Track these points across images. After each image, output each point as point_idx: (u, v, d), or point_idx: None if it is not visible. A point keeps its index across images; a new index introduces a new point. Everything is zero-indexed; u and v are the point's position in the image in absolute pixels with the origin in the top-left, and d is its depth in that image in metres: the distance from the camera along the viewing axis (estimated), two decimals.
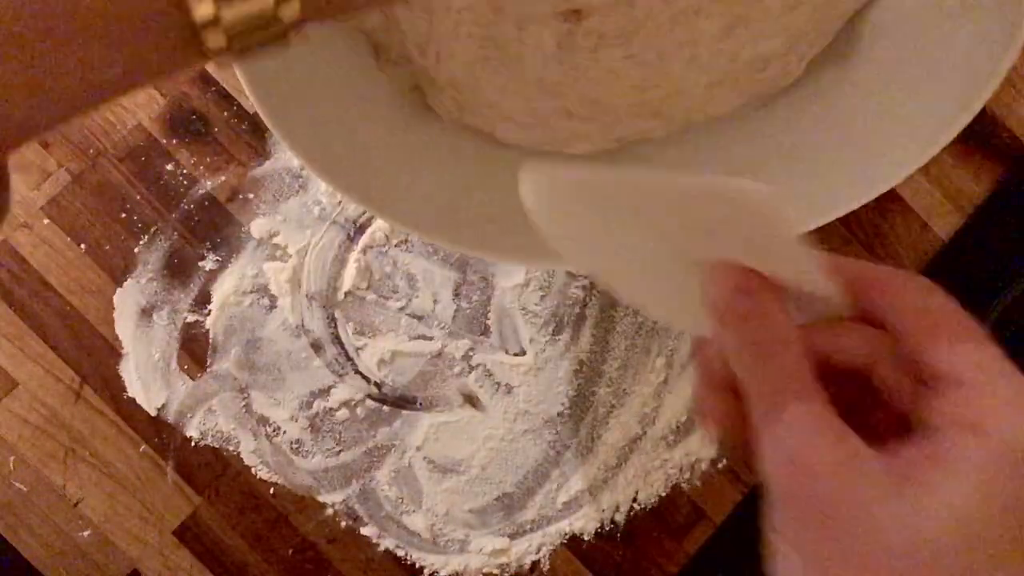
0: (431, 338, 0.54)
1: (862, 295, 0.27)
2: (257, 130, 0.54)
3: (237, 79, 0.54)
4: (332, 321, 0.54)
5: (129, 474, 0.52)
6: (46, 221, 0.52)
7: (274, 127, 0.39)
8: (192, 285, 0.53)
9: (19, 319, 0.52)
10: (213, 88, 0.53)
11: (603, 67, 0.44)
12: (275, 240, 0.54)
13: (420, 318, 0.54)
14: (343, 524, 0.53)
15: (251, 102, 0.40)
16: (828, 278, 0.26)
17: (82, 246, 0.53)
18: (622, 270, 0.30)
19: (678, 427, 0.55)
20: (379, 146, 0.46)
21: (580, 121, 0.46)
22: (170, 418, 0.53)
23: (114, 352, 0.52)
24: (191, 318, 0.53)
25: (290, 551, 0.53)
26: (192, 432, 0.53)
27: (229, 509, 0.53)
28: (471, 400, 0.54)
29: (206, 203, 0.53)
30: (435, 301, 0.54)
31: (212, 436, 0.53)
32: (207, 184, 0.53)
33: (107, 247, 0.53)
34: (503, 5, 0.42)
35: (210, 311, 0.53)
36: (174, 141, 0.53)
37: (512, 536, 0.54)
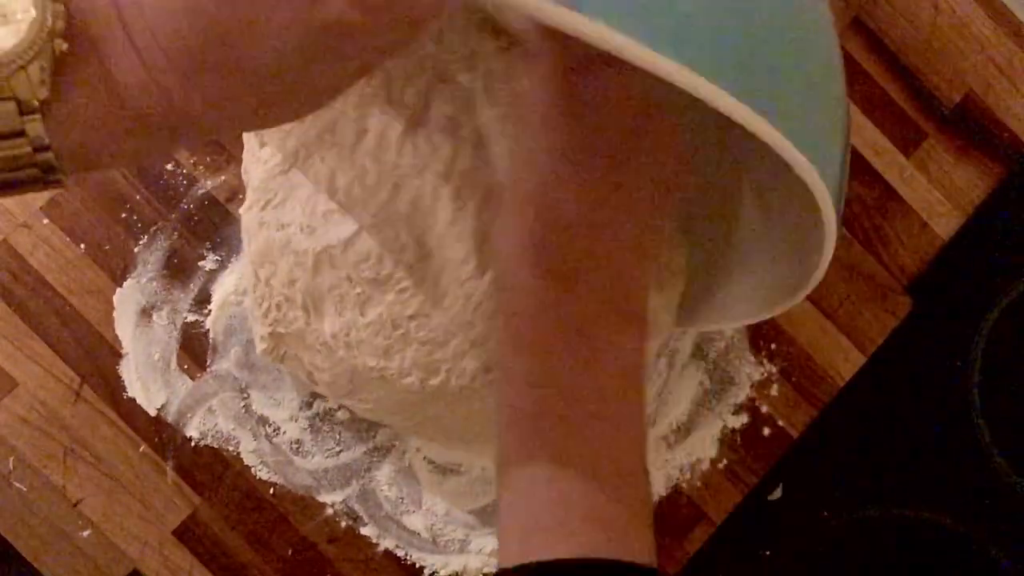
0: None
1: None
2: None
3: None
4: None
5: (129, 474, 0.52)
6: (46, 221, 0.52)
7: None
8: (192, 285, 0.53)
9: (19, 319, 0.52)
10: None
11: None
12: None
13: None
14: (343, 524, 0.53)
15: None
16: None
17: (82, 246, 0.53)
18: None
19: (678, 427, 0.55)
20: None
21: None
22: (170, 418, 0.52)
23: (114, 352, 0.52)
24: (191, 318, 0.53)
25: (290, 551, 0.53)
26: (192, 432, 0.53)
27: (229, 509, 0.53)
28: None
29: (206, 203, 0.53)
30: None
31: (212, 436, 0.53)
32: (207, 184, 0.53)
33: (107, 247, 0.53)
34: None
35: (210, 311, 0.53)
36: None
37: None
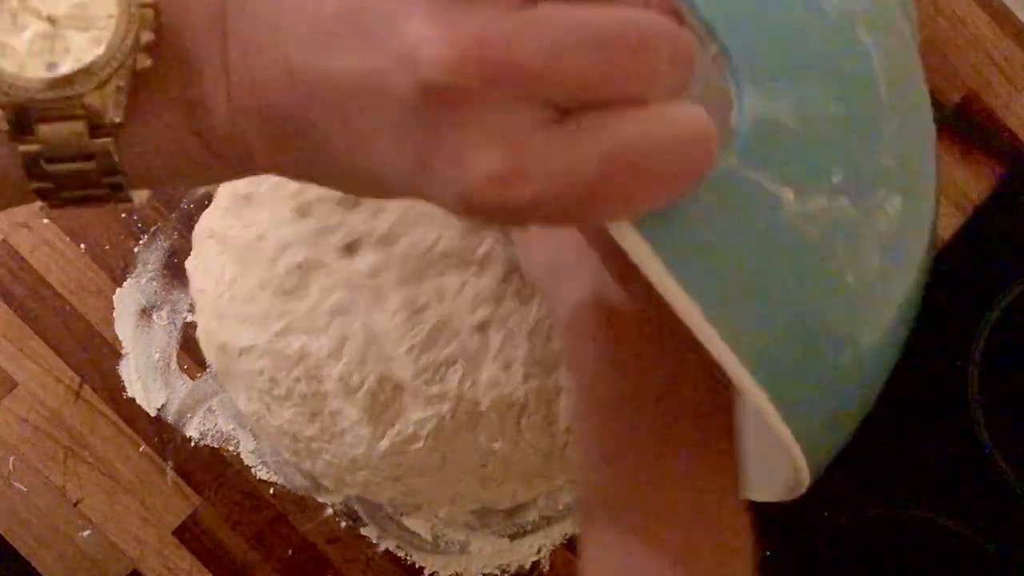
0: None
1: None
2: None
3: None
4: None
5: (129, 474, 0.52)
6: (46, 221, 0.52)
7: None
8: None
9: (19, 319, 0.52)
10: None
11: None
12: None
13: None
14: (343, 524, 0.53)
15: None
16: None
17: (82, 246, 0.53)
18: None
19: None
20: None
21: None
22: (170, 418, 0.52)
23: (114, 352, 0.52)
24: (191, 318, 0.53)
25: (290, 551, 0.53)
26: (192, 432, 0.53)
27: (229, 509, 0.53)
28: None
29: (206, 203, 0.53)
30: None
31: (212, 436, 0.53)
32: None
33: (107, 247, 0.53)
34: None
35: None
36: None
37: (513, 537, 0.54)
